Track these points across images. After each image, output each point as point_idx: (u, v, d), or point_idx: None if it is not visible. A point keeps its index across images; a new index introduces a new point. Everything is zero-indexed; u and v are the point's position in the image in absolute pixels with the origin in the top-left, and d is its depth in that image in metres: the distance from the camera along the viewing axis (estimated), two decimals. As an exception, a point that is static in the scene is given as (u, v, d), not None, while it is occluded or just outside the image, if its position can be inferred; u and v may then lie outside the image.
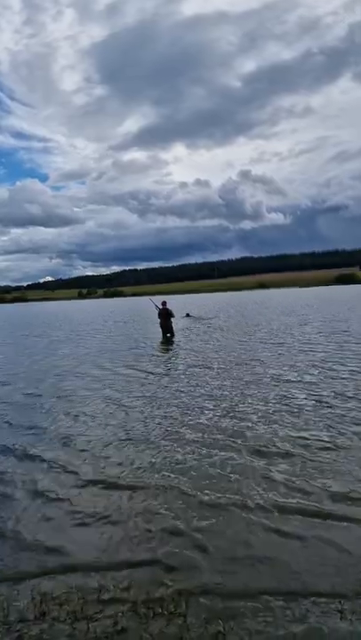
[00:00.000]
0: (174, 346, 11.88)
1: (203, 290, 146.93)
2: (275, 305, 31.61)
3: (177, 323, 14.19)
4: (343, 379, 6.57)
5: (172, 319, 13.63)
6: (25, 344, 15.31)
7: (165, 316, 13.42)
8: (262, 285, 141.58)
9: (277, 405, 5.33)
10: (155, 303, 13.74)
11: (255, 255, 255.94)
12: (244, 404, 5.51)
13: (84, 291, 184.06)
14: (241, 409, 5.27)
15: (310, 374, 7.04)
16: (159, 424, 4.93)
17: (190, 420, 5.01)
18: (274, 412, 5.07)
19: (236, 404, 5.49)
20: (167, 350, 11.22)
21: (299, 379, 6.75)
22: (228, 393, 6.13)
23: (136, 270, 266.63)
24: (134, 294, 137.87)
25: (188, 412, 5.35)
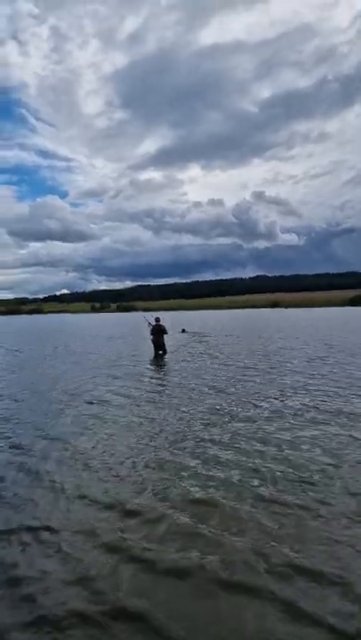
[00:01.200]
0: (165, 362, 11.88)
1: (215, 307, 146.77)
2: (276, 326, 31.25)
3: (167, 340, 14.13)
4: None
5: (165, 336, 13.68)
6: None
7: (158, 332, 13.43)
8: (275, 304, 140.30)
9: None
10: (148, 320, 13.80)
11: (269, 274, 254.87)
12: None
13: (98, 305, 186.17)
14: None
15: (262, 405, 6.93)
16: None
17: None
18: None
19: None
20: (158, 369, 11.04)
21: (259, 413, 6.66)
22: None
23: (149, 286, 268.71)
24: (146, 309, 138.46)
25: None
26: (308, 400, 6.58)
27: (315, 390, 7.31)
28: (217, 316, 64.61)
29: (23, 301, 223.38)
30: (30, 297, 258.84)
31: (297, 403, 6.43)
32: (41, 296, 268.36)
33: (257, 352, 13.49)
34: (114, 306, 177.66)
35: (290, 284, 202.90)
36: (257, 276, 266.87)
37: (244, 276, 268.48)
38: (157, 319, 13.46)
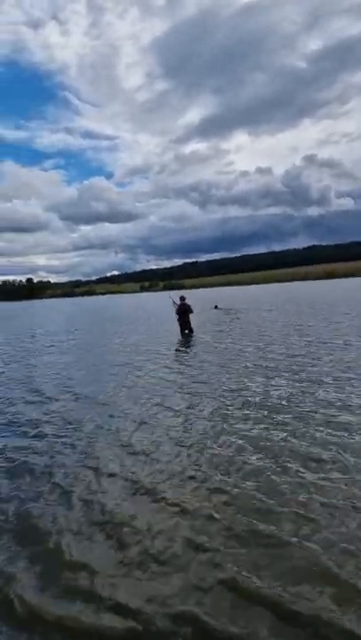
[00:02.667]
0: (191, 343, 11.13)
1: (266, 280, 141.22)
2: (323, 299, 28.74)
3: (198, 318, 13.29)
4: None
5: (193, 315, 12.91)
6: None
7: (184, 312, 12.70)
8: (330, 275, 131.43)
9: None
10: (173, 299, 13.02)
11: (323, 243, 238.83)
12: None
13: (146, 284, 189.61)
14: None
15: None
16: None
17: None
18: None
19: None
20: (185, 349, 10.42)
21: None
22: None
23: (197, 262, 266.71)
24: (194, 287, 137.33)
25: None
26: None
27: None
28: (265, 290, 61.99)
29: (77, 284, 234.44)
30: (83, 279, 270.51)
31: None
32: (93, 278, 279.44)
33: (284, 331, 12.15)
34: (161, 284, 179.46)
35: (345, 253, 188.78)
36: (310, 247, 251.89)
37: (297, 247, 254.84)
38: (182, 298, 12.68)
